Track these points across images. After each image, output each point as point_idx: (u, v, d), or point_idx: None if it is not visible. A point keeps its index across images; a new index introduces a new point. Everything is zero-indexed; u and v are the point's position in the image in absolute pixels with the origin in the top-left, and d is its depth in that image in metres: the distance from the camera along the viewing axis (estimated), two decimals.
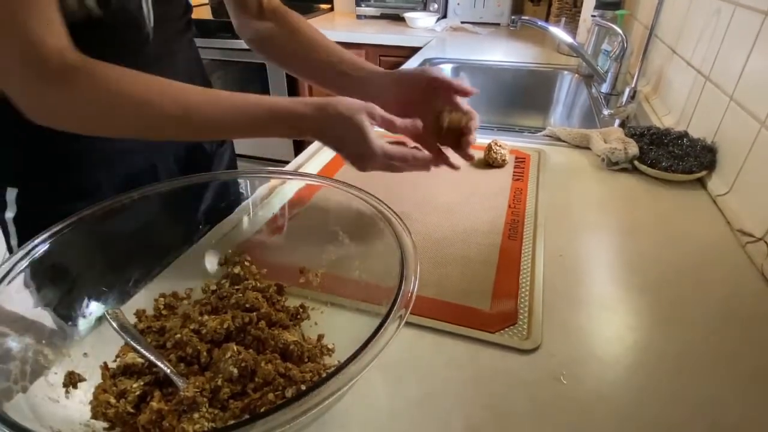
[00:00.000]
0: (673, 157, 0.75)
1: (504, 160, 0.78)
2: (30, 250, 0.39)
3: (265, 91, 2.11)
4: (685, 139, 0.78)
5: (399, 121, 0.53)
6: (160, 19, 0.59)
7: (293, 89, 2.11)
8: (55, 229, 0.41)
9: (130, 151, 0.63)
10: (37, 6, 0.42)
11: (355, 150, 0.51)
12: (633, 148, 0.77)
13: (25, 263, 0.38)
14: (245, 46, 0.73)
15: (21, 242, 0.63)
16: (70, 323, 0.42)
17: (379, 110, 0.52)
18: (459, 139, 0.59)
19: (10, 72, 0.43)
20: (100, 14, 0.49)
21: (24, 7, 0.41)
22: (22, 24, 0.41)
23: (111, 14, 0.51)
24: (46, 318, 0.40)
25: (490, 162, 0.79)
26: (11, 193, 0.61)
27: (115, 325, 0.41)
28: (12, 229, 0.63)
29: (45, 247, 0.40)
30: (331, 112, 0.50)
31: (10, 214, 0.62)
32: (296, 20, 0.70)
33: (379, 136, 0.51)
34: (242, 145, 2.16)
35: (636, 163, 0.77)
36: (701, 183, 0.74)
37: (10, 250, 0.64)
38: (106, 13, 0.50)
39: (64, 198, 0.60)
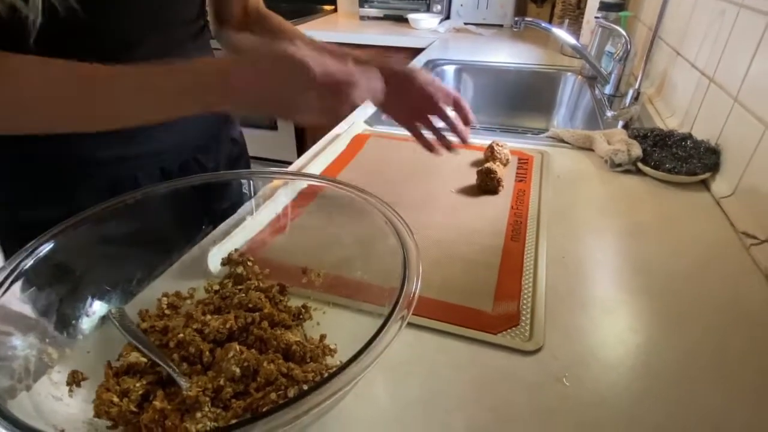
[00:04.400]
0: (676, 159, 0.75)
1: (507, 161, 0.78)
2: (34, 249, 0.39)
3: None
4: (688, 141, 0.78)
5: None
6: (165, 24, 0.59)
7: None
8: (59, 228, 0.41)
9: (108, 159, 0.60)
10: None
11: (282, 73, 0.41)
12: (636, 150, 0.77)
13: (29, 262, 0.38)
14: None
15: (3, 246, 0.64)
16: (74, 322, 0.42)
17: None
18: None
19: None
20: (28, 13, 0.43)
21: None
22: None
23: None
24: (50, 316, 0.40)
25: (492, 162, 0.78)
26: None
27: (118, 324, 0.41)
28: None
29: (49, 246, 0.40)
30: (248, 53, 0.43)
31: None
32: (278, 23, 0.70)
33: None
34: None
35: (639, 164, 0.77)
36: (705, 185, 0.74)
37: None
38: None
39: (37, 204, 0.59)
